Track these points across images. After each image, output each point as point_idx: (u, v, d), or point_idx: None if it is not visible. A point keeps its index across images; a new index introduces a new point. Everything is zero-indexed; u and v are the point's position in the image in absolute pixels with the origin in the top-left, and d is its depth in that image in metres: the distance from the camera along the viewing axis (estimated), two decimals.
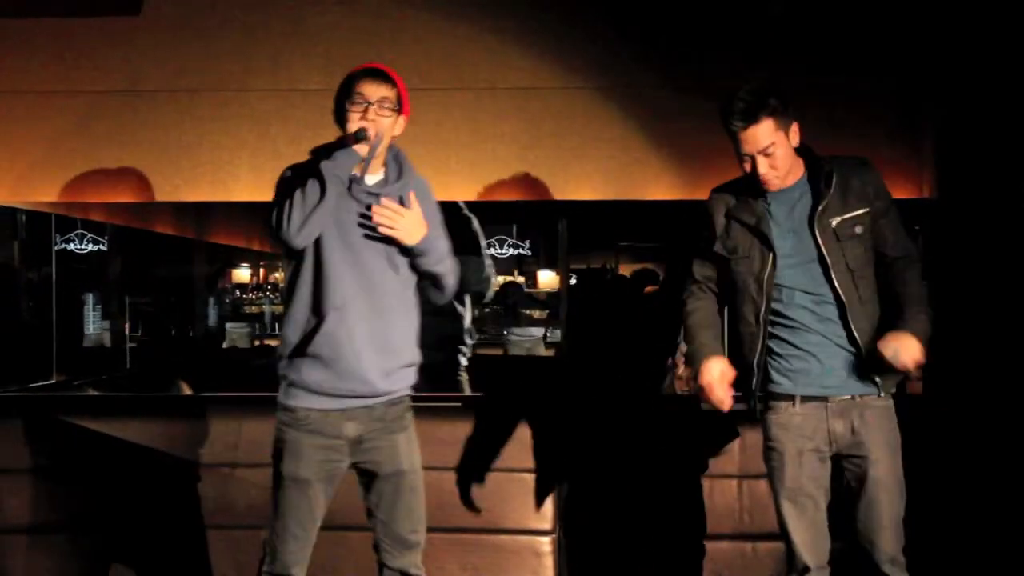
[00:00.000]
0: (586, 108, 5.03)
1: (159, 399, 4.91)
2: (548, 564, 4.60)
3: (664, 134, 5.00)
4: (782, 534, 3.59)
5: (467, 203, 5.16)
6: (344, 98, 3.40)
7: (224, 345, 11.93)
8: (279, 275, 14.26)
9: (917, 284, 3.51)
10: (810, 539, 3.56)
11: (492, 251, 15.90)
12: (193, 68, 5.08)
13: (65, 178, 5.08)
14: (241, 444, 4.49)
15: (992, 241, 4.64)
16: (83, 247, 13.13)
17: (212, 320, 12.35)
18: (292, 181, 3.36)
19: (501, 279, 16.09)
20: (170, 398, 4.78)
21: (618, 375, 6.19)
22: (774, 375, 3.57)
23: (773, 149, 3.43)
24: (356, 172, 3.40)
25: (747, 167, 3.48)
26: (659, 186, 5.02)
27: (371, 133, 3.34)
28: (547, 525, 4.60)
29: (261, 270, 15.65)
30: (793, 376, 3.54)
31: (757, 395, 3.60)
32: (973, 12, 4.70)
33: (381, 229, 3.37)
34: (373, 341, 3.40)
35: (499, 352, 11.42)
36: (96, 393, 5.68)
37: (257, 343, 12.19)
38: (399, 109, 3.43)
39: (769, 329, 3.53)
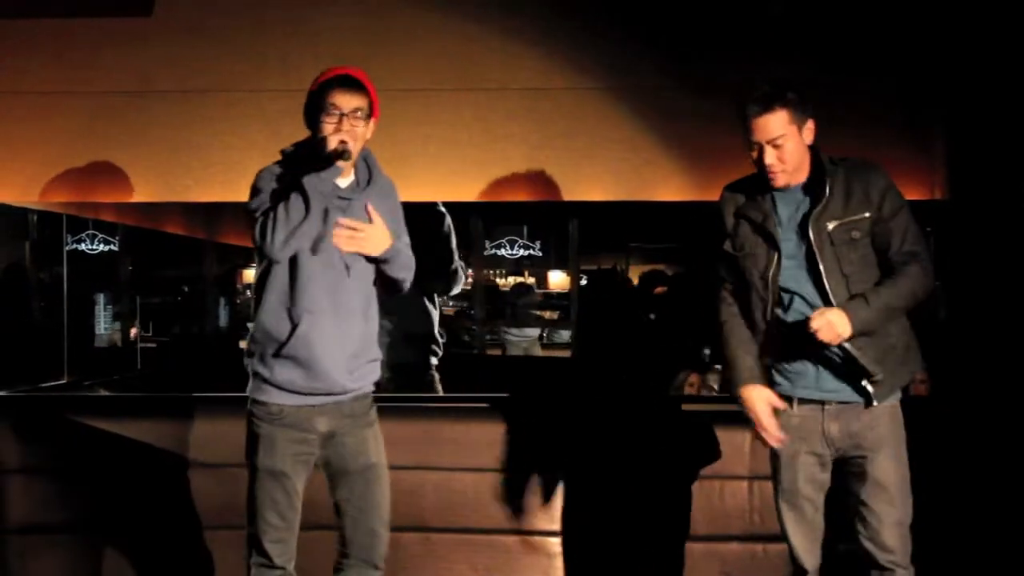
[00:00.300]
0: (597, 109, 5.02)
1: (169, 399, 4.91)
2: (559, 565, 4.60)
3: (675, 135, 4.99)
4: (782, 535, 3.60)
5: (478, 203, 5.17)
6: (317, 106, 3.48)
7: (242, 345, 11.92)
8: None
9: (904, 279, 3.42)
10: (808, 542, 3.55)
11: (503, 252, 15.95)
12: (204, 69, 5.08)
13: (76, 178, 5.09)
14: None
15: (1004, 243, 4.62)
16: (94, 247, 13.17)
17: (224, 320, 12.36)
18: (275, 192, 3.46)
19: (512, 279, 16.10)
20: (180, 398, 4.78)
21: (628, 375, 6.19)
22: (774, 376, 3.57)
23: (783, 141, 3.41)
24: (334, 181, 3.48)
25: (754, 155, 3.47)
26: (669, 187, 5.01)
27: (350, 147, 3.43)
28: (557, 526, 4.60)
29: None
30: (792, 378, 3.54)
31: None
32: (985, 11, 4.69)
33: (346, 248, 3.47)
34: (340, 341, 3.52)
35: (500, 352, 11.43)
36: (107, 393, 5.68)
37: None
38: (371, 115, 3.52)
39: (773, 329, 3.52)
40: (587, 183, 5.04)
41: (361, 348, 3.60)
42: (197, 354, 11.04)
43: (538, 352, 11.56)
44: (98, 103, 5.09)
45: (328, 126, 3.45)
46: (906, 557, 3.48)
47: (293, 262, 3.47)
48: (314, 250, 3.47)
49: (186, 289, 13.95)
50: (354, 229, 3.49)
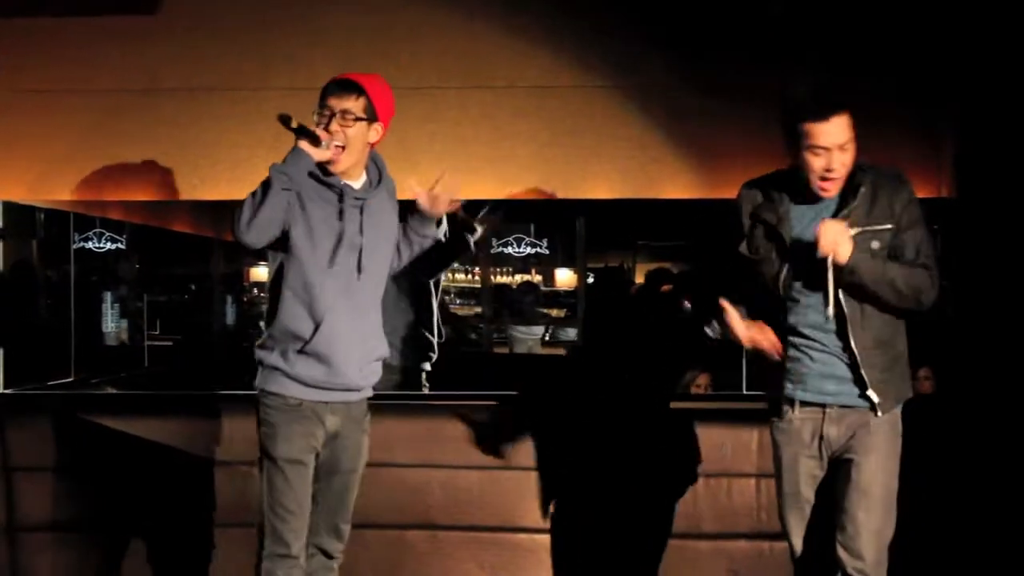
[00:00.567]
0: (604, 107, 5.02)
1: (177, 397, 4.92)
2: (565, 563, 4.60)
3: (682, 133, 4.98)
4: (784, 536, 3.58)
5: (485, 201, 5.17)
6: (318, 105, 3.62)
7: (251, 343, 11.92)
8: None
9: (914, 273, 3.38)
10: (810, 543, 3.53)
11: (510, 250, 15.96)
12: (211, 67, 5.08)
13: (83, 176, 5.10)
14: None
15: (1010, 241, 4.62)
16: (101, 245, 13.17)
17: (231, 318, 12.38)
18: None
19: (519, 278, 16.12)
20: (189, 396, 4.80)
21: (634, 374, 6.18)
22: (780, 377, 3.53)
23: (850, 146, 3.35)
24: (348, 182, 3.63)
25: (818, 163, 3.35)
26: (677, 185, 5.00)
27: (324, 139, 3.55)
28: (564, 524, 4.60)
29: None
30: (795, 380, 3.49)
31: (771, 397, 3.59)
32: (991, 10, 4.68)
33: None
34: (357, 339, 3.64)
35: (507, 350, 11.46)
36: (114, 391, 5.70)
37: None
38: (370, 118, 3.62)
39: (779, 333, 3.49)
40: (594, 181, 5.04)
41: (374, 345, 3.71)
42: (204, 352, 11.06)
43: (539, 350, 11.59)
44: (105, 101, 5.09)
45: (320, 124, 3.59)
46: (878, 569, 3.41)
47: (305, 260, 3.56)
48: (326, 248, 3.57)
49: (193, 287, 13.98)
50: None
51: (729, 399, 5.23)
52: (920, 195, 3.54)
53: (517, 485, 4.58)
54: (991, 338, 4.61)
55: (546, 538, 4.61)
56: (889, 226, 3.40)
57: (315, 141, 3.52)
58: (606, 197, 5.07)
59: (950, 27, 4.80)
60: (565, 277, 16.69)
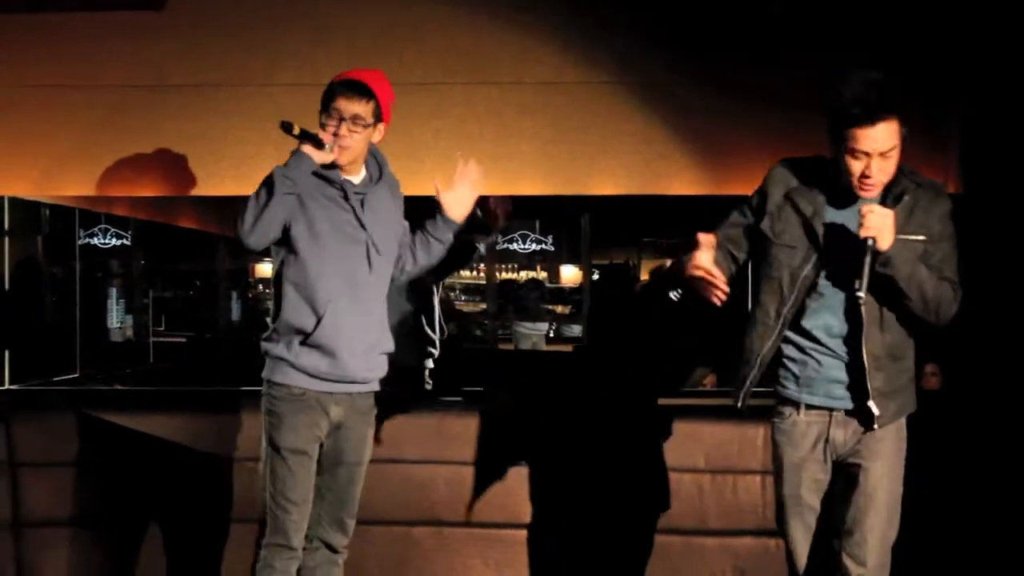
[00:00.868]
0: (610, 103, 5.01)
1: (183, 393, 4.93)
2: (571, 559, 4.59)
3: (687, 129, 4.98)
4: (783, 538, 3.51)
5: (491, 197, 5.16)
6: (324, 103, 3.65)
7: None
8: None
9: (942, 285, 3.30)
10: (808, 549, 3.46)
11: (515, 246, 15.97)
12: (217, 63, 5.08)
13: (89, 172, 5.10)
14: None
15: (1018, 237, 4.61)
16: (107, 241, 13.18)
17: (236, 314, 12.40)
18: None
19: (524, 274, 16.12)
20: (194, 392, 4.81)
21: (639, 370, 6.19)
22: (783, 378, 3.44)
23: (894, 153, 3.21)
24: (348, 177, 3.67)
25: (856, 167, 3.21)
26: (682, 181, 5.00)
27: (328, 141, 3.58)
28: (570, 520, 4.60)
29: None
30: (801, 382, 3.40)
31: (751, 390, 3.46)
32: (999, 8, 4.67)
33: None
34: (361, 331, 3.67)
35: (511, 347, 11.46)
36: (120, 387, 5.70)
37: None
38: (376, 121, 3.66)
39: (787, 330, 3.39)
40: (600, 177, 5.04)
41: (378, 339, 3.74)
42: (210, 348, 11.07)
43: (543, 347, 11.60)
44: (111, 97, 5.09)
45: (329, 128, 3.62)
46: (881, 573, 3.37)
47: (310, 254, 3.60)
48: (331, 243, 3.61)
49: (198, 283, 14.00)
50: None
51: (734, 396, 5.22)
52: None
53: (522, 481, 4.58)
54: (999, 335, 4.61)
55: (551, 535, 4.61)
56: (923, 237, 3.30)
57: (318, 144, 3.56)
58: (611, 193, 5.07)
59: (956, 25, 4.79)
60: (570, 273, 16.70)
